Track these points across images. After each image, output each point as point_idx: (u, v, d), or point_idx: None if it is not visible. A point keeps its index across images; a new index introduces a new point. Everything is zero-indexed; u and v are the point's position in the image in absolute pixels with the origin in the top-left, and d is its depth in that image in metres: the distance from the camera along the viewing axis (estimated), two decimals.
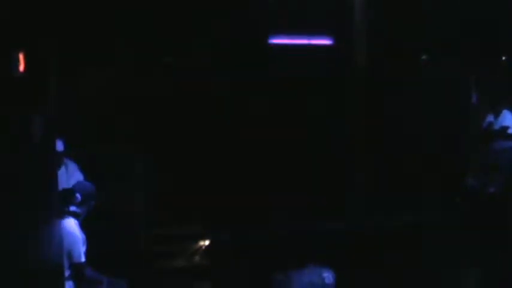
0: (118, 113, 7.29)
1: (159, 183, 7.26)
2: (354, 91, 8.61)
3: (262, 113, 8.63)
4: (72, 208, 4.44)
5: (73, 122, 6.89)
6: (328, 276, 5.71)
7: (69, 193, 4.49)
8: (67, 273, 4.28)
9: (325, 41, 8.80)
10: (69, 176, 5.57)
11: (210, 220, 7.30)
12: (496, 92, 10.09)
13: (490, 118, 9.80)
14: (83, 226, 4.63)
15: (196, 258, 6.65)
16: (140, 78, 7.56)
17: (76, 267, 4.33)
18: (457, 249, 7.08)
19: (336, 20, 8.37)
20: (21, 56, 3.44)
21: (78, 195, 4.45)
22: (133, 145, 7.10)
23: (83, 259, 4.39)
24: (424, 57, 9.69)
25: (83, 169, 5.98)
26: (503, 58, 10.40)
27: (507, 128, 9.48)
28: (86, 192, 4.52)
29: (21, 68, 3.45)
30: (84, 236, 4.47)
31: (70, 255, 4.30)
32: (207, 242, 6.79)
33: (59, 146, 5.63)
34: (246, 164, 8.33)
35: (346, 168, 8.77)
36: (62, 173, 5.30)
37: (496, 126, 9.63)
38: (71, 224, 4.37)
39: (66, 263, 4.26)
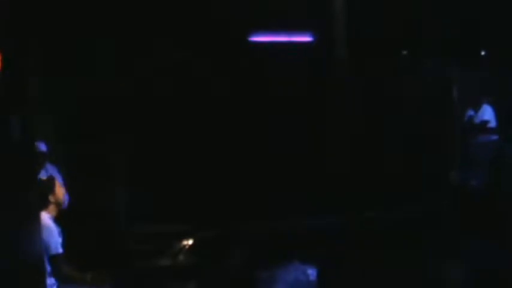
0: (99, 111, 7.25)
1: (143, 180, 7.23)
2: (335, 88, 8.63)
3: (245, 108, 8.65)
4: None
5: (55, 121, 6.87)
6: (312, 273, 5.71)
7: None
8: (48, 268, 4.25)
9: (306, 38, 8.81)
10: None
11: (195, 218, 7.28)
12: (476, 86, 10.18)
13: (470, 112, 9.88)
14: (65, 224, 4.63)
15: (181, 256, 6.63)
16: (121, 77, 7.52)
17: (54, 259, 4.31)
18: (440, 244, 7.11)
19: (316, 17, 8.38)
20: None
21: None
22: (115, 142, 7.07)
23: (60, 250, 4.38)
24: (404, 52, 9.75)
25: (64, 167, 5.95)
26: (483, 53, 10.50)
27: (487, 122, 9.57)
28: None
29: None
30: (59, 228, 4.46)
31: (47, 248, 4.28)
32: (191, 241, 6.77)
33: (42, 147, 5.60)
34: (231, 161, 8.34)
35: (328, 165, 8.81)
36: (42, 176, 5.26)
37: (476, 121, 9.72)
38: (44, 218, 4.34)
39: (45, 257, 4.23)
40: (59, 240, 4.41)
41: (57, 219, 4.52)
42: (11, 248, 3.57)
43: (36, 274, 3.91)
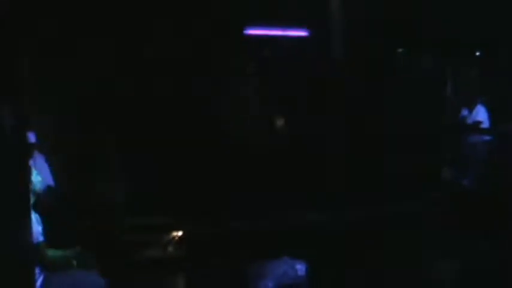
0: (94, 102, 7.23)
1: (134, 171, 7.22)
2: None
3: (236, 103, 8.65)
4: None
5: (50, 112, 6.86)
6: (301, 268, 5.75)
7: None
8: None
9: (301, 33, 8.79)
10: (37, 169, 5.52)
11: (185, 210, 7.30)
12: (470, 86, 10.22)
13: (464, 112, 9.91)
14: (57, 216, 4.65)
15: (170, 249, 6.65)
16: (116, 70, 7.49)
17: (36, 248, 4.32)
18: (432, 242, 7.15)
19: (312, 11, 8.36)
20: None
21: None
22: (107, 134, 7.06)
23: (41, 238, 4.39)
24: (399, 50, 9.75)
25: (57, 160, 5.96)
26: (477, 54, 10.52)
27: (480, 122, 9.60)
28: None
29: None
30: (37, 216, 4.47)
31: None
32: (181, 233, 6.79)
33: (31, 137, 5.60)
34: (221, 154, 8.34)
35: (323, 161, 8.82)
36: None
37: (469, 121, 9.75)
38: None
39: None
40: (39, 228, 4.41)
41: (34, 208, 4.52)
42: (2, 241, 3.58)
43: (28, 267, 3.93)
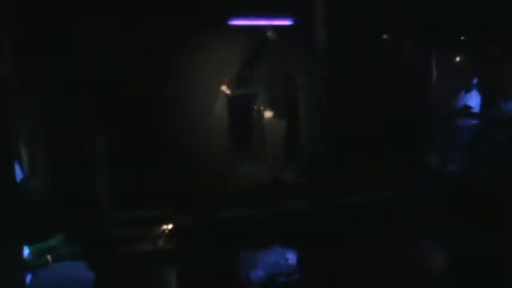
0: (77, 93, 7.20)
1: (122, 164, 7.20)
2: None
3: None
4: None
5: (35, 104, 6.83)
6: (292, 257, 5.75)
7: None
8: None
9: (286, 22, 8.77)
10: None
11: (175, 202, 7.29)
12: (461, 71, 10.23)
13: (457, 97, 9.93)
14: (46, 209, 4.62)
15: (160, 242, 6.65)
16: (99, 60, 7.45)
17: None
18: (418, 227, 7.18)
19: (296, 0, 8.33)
20: None
21: None
22: (94, 126, 7.04)
23: None
24: (385, 36, 9.74)
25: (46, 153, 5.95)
26: (462, 38, 10.53)
27: (469, 108, 9.60)
28: None
29: None
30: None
31: None
32: (170, 225, 6.79)
33: None
34: (210, 144, 8.34)
35: (311, 148, 8.84)
36: None
37: (460, 104, 9.77)
38: None
39: None
40: None
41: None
42: None
43: (15, 264, 3.90)
